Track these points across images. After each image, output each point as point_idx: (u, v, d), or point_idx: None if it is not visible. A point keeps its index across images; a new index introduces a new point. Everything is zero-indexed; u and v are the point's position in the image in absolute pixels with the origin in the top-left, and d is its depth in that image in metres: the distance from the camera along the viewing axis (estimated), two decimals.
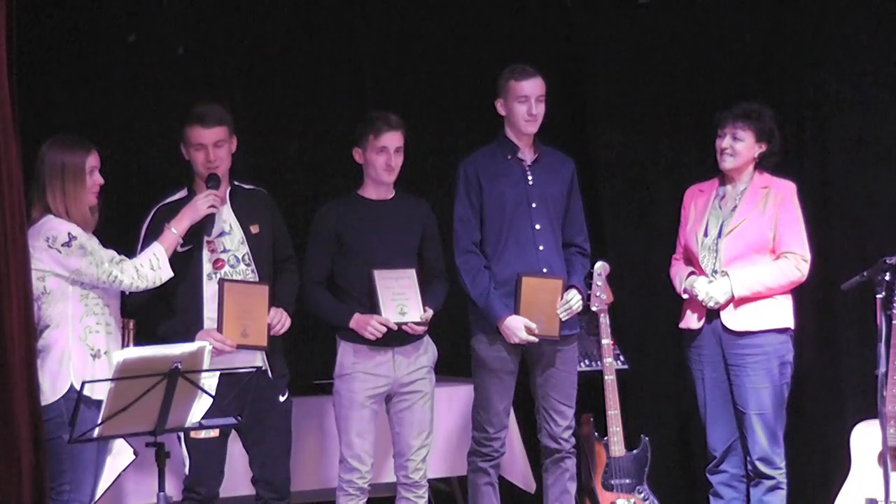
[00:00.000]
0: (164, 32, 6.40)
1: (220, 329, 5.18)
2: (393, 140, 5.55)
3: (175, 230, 5.14)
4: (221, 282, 5.22)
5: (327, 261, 5.57)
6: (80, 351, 4.93)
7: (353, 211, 5.60)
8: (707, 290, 5.78)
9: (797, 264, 5.79)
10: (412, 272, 5.56)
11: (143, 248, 5.20)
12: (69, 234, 4.92)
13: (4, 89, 4.64)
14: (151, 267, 5.03)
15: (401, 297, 5.50)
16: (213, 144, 5.29)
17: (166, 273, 5.07)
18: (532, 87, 5.66)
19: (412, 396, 5.59)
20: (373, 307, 5.47)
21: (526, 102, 5.66)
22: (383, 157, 5.55)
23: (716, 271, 5.81)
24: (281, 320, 5.30)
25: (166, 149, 6.25)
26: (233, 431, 5.31)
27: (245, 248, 5.34)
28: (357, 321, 5.47)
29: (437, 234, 5.72)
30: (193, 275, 5.27)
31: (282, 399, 5.36)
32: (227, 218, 5.35)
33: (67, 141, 5.04)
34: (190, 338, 5.09)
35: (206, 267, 5.28)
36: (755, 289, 5.74)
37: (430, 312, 5.55)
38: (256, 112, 6.54)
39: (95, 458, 4.96)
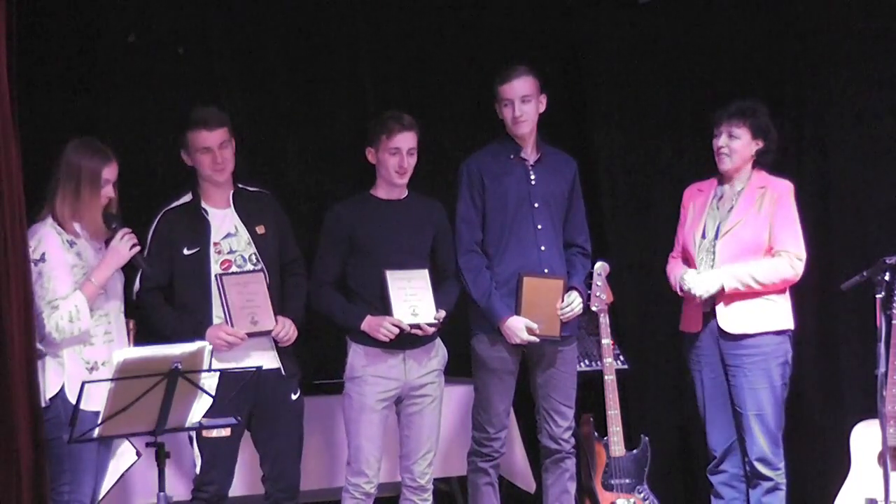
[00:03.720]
0: (164, 32, 6.41)
1: (230, 324, 5.19)
2: (406, 141, 5.53)
3: (95, 281, 4.97)
4: (219, 277, 5.23)
5: (339, 262, 5.54)
6: (74, 364, 4.93)
7: (365, 211, 5.56)
8: (696, 280, 5.76)
9: (791, 262, 5.78)
10: (425, 273, 5.53)
11: (149, 253, 5.22)
12: (43, 254, 4.91)
13: (4, 89, 4.64)
14: (70, 319, 4.90)
15: (413, 299, 5.47)
16: (218, 146, 5.30)
17: (85, 324, 4.94)
18: (514, 90, 5.63)
19: (423, 400, 5.57)
20: (385, 308, 5.44)
21: (510, 106, 5.65)
22: (396, 159, 5.52)
23: (709, 265, 5.80)
24: (288, 333, 5.31)
25: (166, 149, 6.26)
26: (245, 433, 5.32)
27: (252, 249, 5.35)
28: (369, 323, 5.44)
29: (450, 234, 5.69)
30: (202, 276, 5.28)
31: (294, 397, 5.37)
32: (232, 220, 5.36)
33: (91, 146, 5.04)
34: (200, 337, 5.07)
35: (214, 268, 5.29)
36: (746, 282, 5.71)
37: (442, 313, 5.52)
38: (256, 112, 6.55)
39: (95, 458, 4.96)
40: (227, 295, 5.20)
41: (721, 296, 5.75)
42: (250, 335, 5.23)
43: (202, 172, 5.34)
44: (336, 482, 5.66)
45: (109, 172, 5.02)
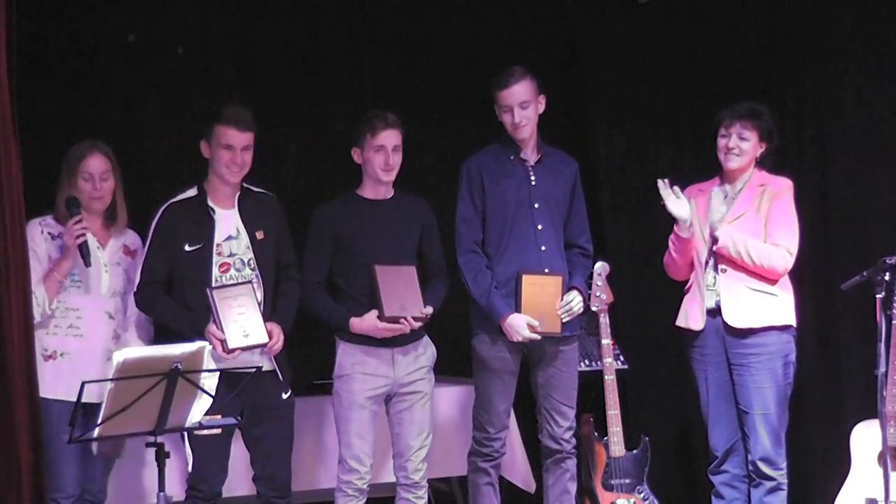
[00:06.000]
0: (164, 32, 6.41)
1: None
2: (390, 138, 5.54)
3: (58, 275, 5.16)
4: (210, 290, 5.22)
5: (326, 261, 5.57)
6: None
7: (351, 211, 5.59)
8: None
9: (783, 255, 5.78)
10: (412, 269, 5.55)
11: (151, 245, 5.26)
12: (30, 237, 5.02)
13: (4, 89, 4.64)
14: None
15: (401, 293, 5.49)
16: (241, 148, 5.32)
17: (43, 312, 5.11)
18: (511, 97, 5.62)
19: (412, 397, 5.59)
20: (372, 304, 5.46)
21: (509, 111, 5.64)
22: (381, 156, 5.54)
23: (712, 262, 5.80)
24: (278, 343, 5.30)
25: (165, 148, 6.27)
26: (236, 430, 5.32)
27: (250, 253, 5.34)
28: (370, 326, 5.45)
29: (437, 232, 5.71)
30: (202, 275, 5.27)
31: (284, 397, 5.37)
32: (234, 222, 5.36)
33: (81, 144, 5.22)
34: (199, 332, 5.12)
35: (214, 270, 5.29)
36: (739, 249, 5.70)
37: (429, 309, 5.54)
38: (256, 112, 6.52)
39: (76, 450, 5.01)
40: (217, 308, 5.19)
41: (719, 258, 5.77)
42: (243, 349, 5.21)
43: (216, 168, 5.34)
44: (333, 482, 5.65)
45: (87, 165, 5.17)
